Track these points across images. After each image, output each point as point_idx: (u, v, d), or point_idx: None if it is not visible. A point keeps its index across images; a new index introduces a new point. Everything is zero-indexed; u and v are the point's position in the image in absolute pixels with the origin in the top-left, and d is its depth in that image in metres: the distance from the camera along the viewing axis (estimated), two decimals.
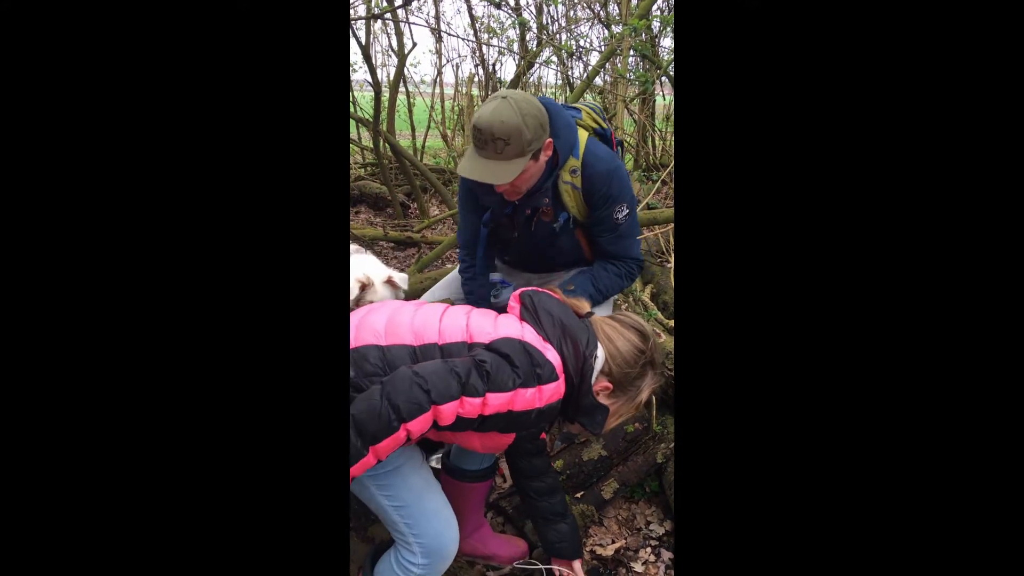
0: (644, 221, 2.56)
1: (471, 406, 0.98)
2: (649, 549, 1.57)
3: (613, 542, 1.58)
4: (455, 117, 5.55)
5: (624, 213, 1.57)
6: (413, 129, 5.57)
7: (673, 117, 4.82)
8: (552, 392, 1.05)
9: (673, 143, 5.06)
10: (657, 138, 5.05)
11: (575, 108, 1.65)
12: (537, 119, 1.38)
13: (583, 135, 1.55)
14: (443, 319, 1.13)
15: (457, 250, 1.86)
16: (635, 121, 4.73)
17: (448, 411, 0.97)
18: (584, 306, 1.21)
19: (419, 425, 0.96)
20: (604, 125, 1.68)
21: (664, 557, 1.55)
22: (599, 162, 1.53)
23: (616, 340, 1.15)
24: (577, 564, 1.38)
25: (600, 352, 1.13)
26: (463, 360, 1.02)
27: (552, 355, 1.07)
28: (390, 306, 1.20)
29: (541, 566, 1.43)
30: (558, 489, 1.38)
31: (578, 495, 1.63)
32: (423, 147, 5.61)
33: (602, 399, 1.14)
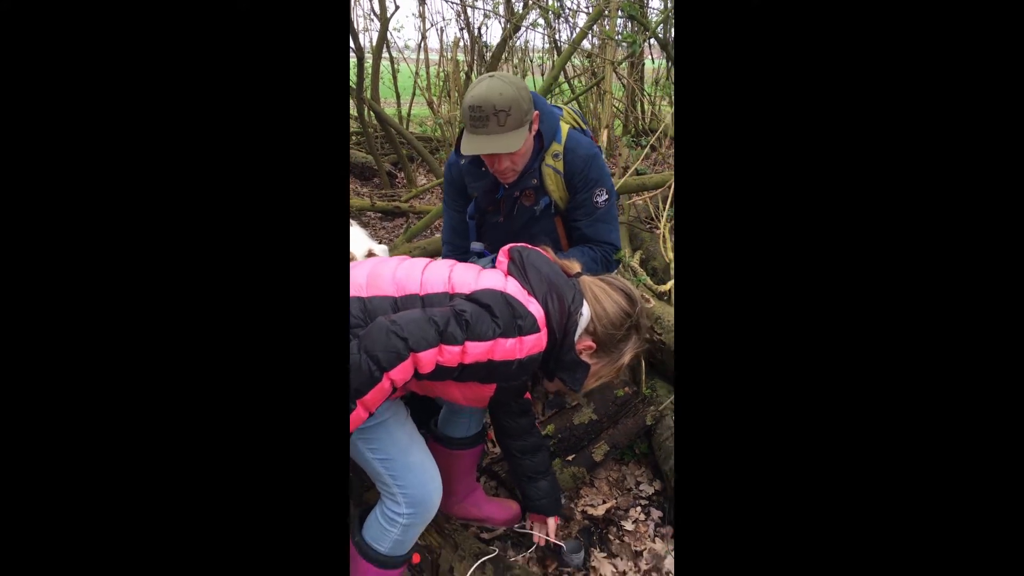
0: (633, 187, 2.55)
1: (450, 354, 0.99)
2: (639, 508, 1.61)
3: (604, 502, 1.62)
4: (440, 83, 5.42)
5: (604, 198, 1.63)
6: (398, 96, 5.44)
7: (662, 81, 4.75)
8: (533, 344, 1.06)
9: (661, 108, 5.00)
10: (646, 102, 4.97)
11: (558, 108, 1.71)
12: (526, 90, 1.44)
13: (564, 126, 1.61)
14: (425, 271, 1.15)
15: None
16: (623, 85, 4.66)
17: (427, 359, 0.98)
18: (574, 267, 1.21)
19: (401, 374, 0.97)
20: (583, 127, 1.73)
21: (654, 516, 1.58)
22: (580, 147, 1.60)
23: (604, 301, 1.15)
24: (551, 521, 1.42)
25: (586, 310, 1.13)
26: (442, 310, 1.02)
27: (535, 308, 1.07)
28: (372, 261, 1.21)
29: (533, 532, 1.47)
30: (541, 448, 1.41)
31: (569, 458, 1.65)
32: (408, 115, 5.50)
33: (584, 358, 1.15)
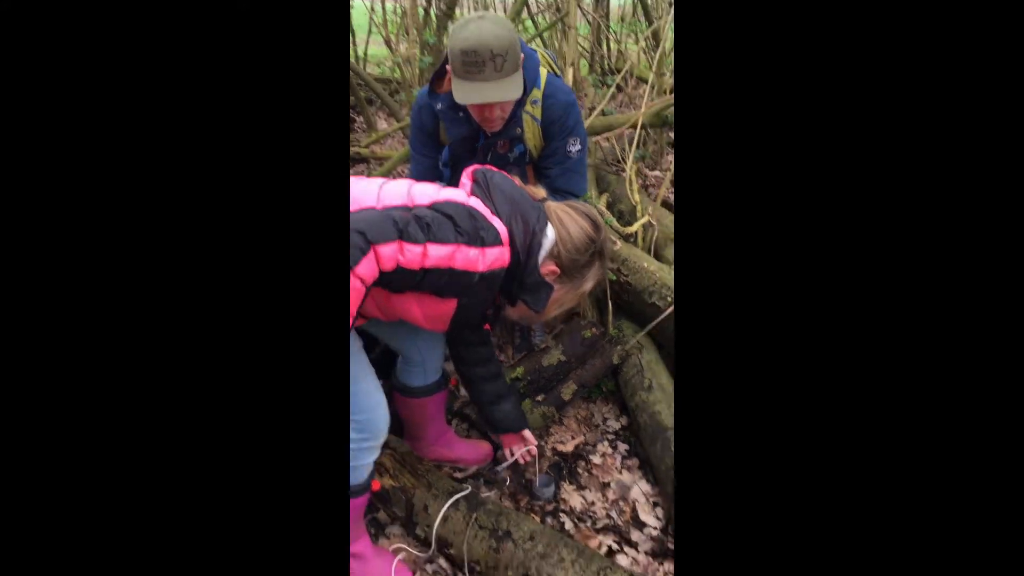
0: (599, 127, 2.50)
1: (412, 254, 0.97)
2: (606, 443, 1.67)
3: (573, 439, 1.67)
4: (398, 20, 5.14)
5: (577, 148, 1.60)
6: (353, 35, 5.16)
7: (628, 19, 4.61)
8: (495, 257, 1.05)
9: (627, 46, 4.87)
10: (612, 41, 4.84)
11: (531, 49, 1.65)
12: (515, 32, 1.38)
13: (543, 71, 1.56)
14: (383, 187, 1.11)
15: (408, 166, 1.82)
16: (589, 23, 4.51)
17: (388, 254, 0.96)
18: (539, 192, 1.20)
19: (366, 269, 0.95)
20: (558, 72, 1.66)
21: (620, 449, 1.65)
22: (560, 92, 1.55)
23: (568, 225, 1.14)
24: (526, 433, 1.44)
25: (550, 233, 1.12)
26: (401, 213, 1.00)
27: (499, 224, 1.06)
28: None
29: (505, 472, 1.51)
30: (501, 375, 1.43)
31: (539, 399, 1.69)
32: (365, 55, 5.23)
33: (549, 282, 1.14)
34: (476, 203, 1.08)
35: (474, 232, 1.02)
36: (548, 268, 1.13)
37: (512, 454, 1.48)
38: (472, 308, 1.13)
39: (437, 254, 0.99)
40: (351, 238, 0.93)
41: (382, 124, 4.24)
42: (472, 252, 1.02)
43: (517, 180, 1.18)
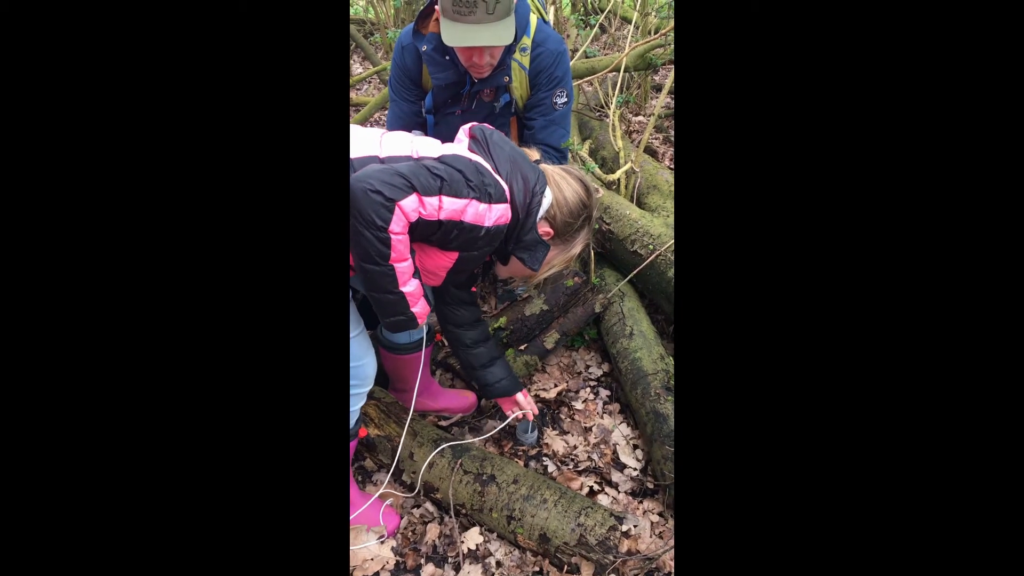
0: (582, 71, 2.43)
1: (430, 206, 0.98)
2: (588, 389, 1.70)
3: (555, 386, 1.70)
4: None
5: (563, 100, 1.56)
6: None
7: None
8: (500, 214, 1.06)
9: None
10: None
11: None
12: None
13: (533, 17, 1.49)
14: (383, 138, 1.11)
15: (385, 113, 1.76)
16: None
17: (410, 207, 0.97)
18: (533, 154, 1.19)
19: (398, 224, 0.96)
20: (547, 19, 1.58)
21: (602, 395, 1.68)
22: (550, 40, 1.49)
23: (564, 188, 1.15)
24: (521, 396, 1.44)
25: (548, 194, 1.14)
26: (409, 164, 1.00)
27: (503, 183, 1.07)
28: None
29: (504, 423, 1.52)
30: (489, 337, 1.43)
31: (522, 348, 1.70)
32: None
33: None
34: (479, 160, 1.08)
35: (482, 187, 1.03)
36: (543, 230, 1.15)
37: (511, 413, 1.46)
38: (470, 262, 1.13)
39: (451, 207, 1.00)
40: (371, 200, 0.93)
41: (356, 68, 4.06)
42: (481, 207, 1.03)
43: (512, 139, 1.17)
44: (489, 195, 1.04)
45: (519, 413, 1.44)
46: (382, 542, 1.30)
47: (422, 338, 1.46)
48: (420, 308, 1.09)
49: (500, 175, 1.08)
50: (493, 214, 1.05)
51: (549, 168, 1.18)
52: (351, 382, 1.18)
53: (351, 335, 1.17)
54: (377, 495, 1.37)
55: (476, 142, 1.14)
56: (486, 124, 1.18)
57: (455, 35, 1.29)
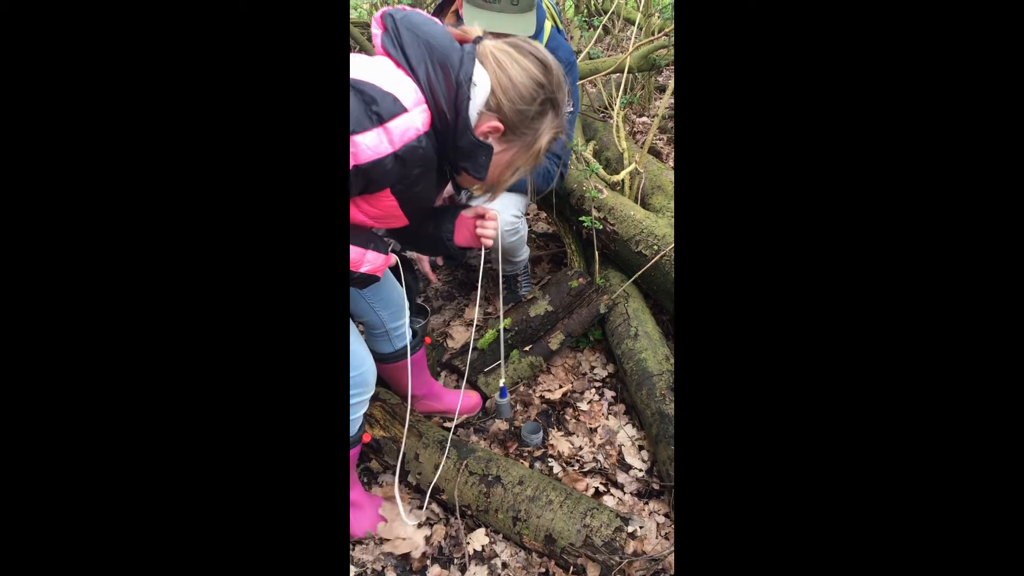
0: (586, 72, 2.43)
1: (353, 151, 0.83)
2: (593, 390, 1.70)
3: (561, 387, 1.69)
4: None
5: (569, 109, 1.56)
6: None
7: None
8: (405, 128, 0.86)
9: None
10: None
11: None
12: None
13: (547, 24, 1.51)
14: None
15: None
16: None
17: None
18: (473, 31, 0.96)
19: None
20: (560, 26, 1.59)
21: (607, 396, 1.68)
22: (561, 49, 1.50)
23: (509, 68, 0.91)
24: (467, 212, 1.19)
25: (483, 81, 0.91)
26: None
27: (403, 84, 0.87)
28: None
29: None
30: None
31: (527, 348, 1.70)
32: None
33: (492, 143, 0.95)
34: (381, 62, 0.89)
35: (363, 113, 0.83)
36: (489, 124, 0.92)
37: (483, 232, 1.14)
38: (414, 191, 0.95)
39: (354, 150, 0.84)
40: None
41: None
42: (370, 138, 0.84)
43: (439, 21, 0.96)
44: (376, 115, 0.84)
45: (486, 227, 1.14)
46: (419, 527, 1.32)
47: (405, 346, 1.43)
48: (368, 267, 0.99)
49: (413, 69, 0.88)
50: (394, 134, 0.85)
51: (490, 45, 0.93)
52: (353, 390, 1.17)
53: (351, 343, 1.15)
54: (385, 497, 1.38)
55: (387, 34, 0.91)
56: (402, 5, 1.00)
57: (478, 21, 1.32)
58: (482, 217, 1.15)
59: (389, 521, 1.33)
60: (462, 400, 1.61)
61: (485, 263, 1.64)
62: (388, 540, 1.31)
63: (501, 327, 1.53)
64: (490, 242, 1.15)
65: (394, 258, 1.10)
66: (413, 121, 0.87)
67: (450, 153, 0.94)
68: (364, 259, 1.00)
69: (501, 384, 1.51)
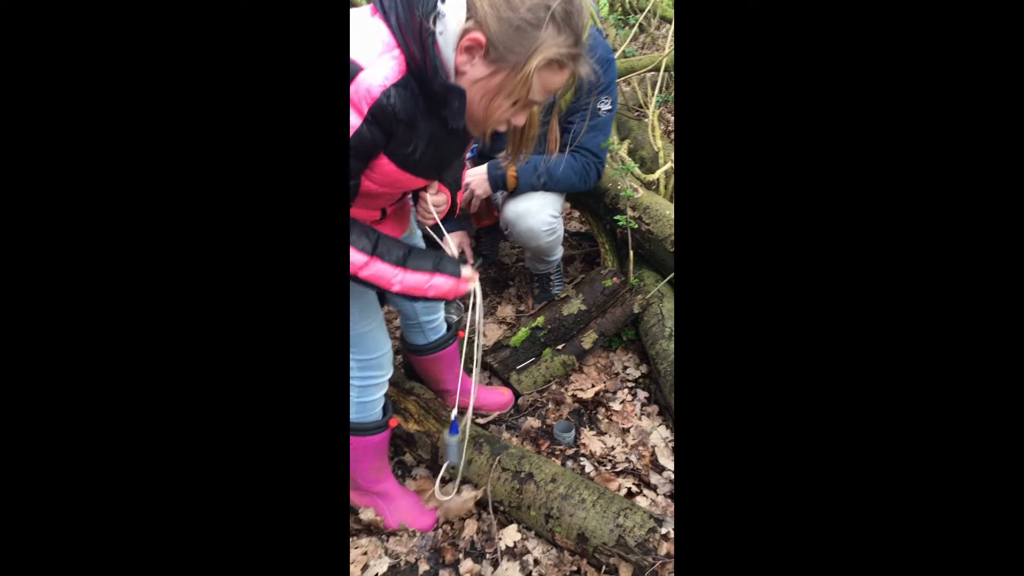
0: (621, 70, 2.41)
1: None
2: (626, 390, 1.69)
3: (593, 387, 1.69)
4: None
5: (607, 107, 1.56)
6: None
7: None
8: (367, 88, 0.76)
9: None
10: None
11: None
12: None
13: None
14: None
15: None
16: None
17: None
18: None
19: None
20: (599, 25, 1.60)
21: (640, 396, 1.66)
22: (599, 47, 1.50)
23: None
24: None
25: (456, 5, 0.76)
26: None
27: (369, 34, 0.78)
28: None
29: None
30: None
31: (559, 347, 1.70)
32: None
33: (471, 68, 0.80)
34: (360, 13, 0.81)
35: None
36: (472, 38, 0.77)
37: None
38: (406, 151, 0.85)
39: None
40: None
41: None
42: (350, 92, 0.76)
43: None
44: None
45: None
46: (476, 499, 1.34)
47: (439, 338, 1.45)
48: (434, 292, 0.96)
49: (384, 14, 0.78)
50: (359, 93, 0.76)
51: None
52: (371, 372, 1.18)
53: (371, 327, 1.17)
54: (417, 491, 1.39)
55: None
56: None
57: None
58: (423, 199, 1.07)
59: (445, 489, 1.36)
60: (494, 397, 1.62)
61: (517, 261, 1.65)
62: (440, 505, 1.34)
63: (475, 361, 1.29)
64: (431, 221, 1.08)
65: (470, 285, 1.01)
66: (374, 76, 0.77)
67: (429, 101, 0.82)
68: (429, 283, 0.95)
69: (452, 417, 1.24)
